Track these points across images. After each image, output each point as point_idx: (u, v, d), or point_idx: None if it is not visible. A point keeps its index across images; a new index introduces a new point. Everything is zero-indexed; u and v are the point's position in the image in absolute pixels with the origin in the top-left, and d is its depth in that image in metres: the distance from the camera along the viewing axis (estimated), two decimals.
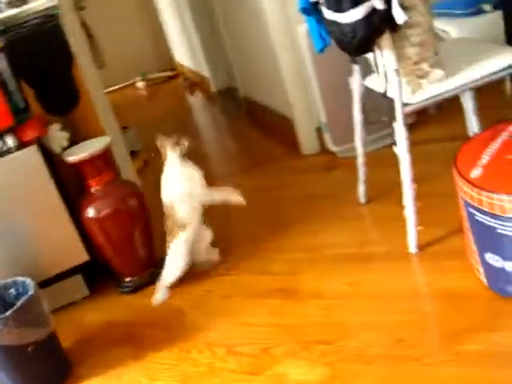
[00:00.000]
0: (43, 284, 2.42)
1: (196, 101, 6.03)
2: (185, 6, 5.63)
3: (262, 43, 3.74)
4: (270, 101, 4.08)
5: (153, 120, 5.30)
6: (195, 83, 6.15)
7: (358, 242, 2.62)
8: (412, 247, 2.37)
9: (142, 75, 5.65)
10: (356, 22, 2.04)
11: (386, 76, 2.24)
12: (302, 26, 3.10)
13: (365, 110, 2.73)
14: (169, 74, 6.81)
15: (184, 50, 6.62)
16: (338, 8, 2.06)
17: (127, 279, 2.77)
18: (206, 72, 5.81)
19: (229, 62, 4.95)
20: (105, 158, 2.69)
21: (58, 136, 2.71)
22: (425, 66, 2.22)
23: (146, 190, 2.86)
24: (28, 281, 2.31)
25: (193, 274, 2.68)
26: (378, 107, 3.20)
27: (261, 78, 4.14)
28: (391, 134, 2.36)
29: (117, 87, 6.01)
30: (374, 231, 2.76)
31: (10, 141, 2.53)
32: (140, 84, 6.54)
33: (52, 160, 2.67)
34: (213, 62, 5.57)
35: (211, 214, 2.71)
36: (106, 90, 3.43)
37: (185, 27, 6.05)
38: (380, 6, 2.01)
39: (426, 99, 2.25)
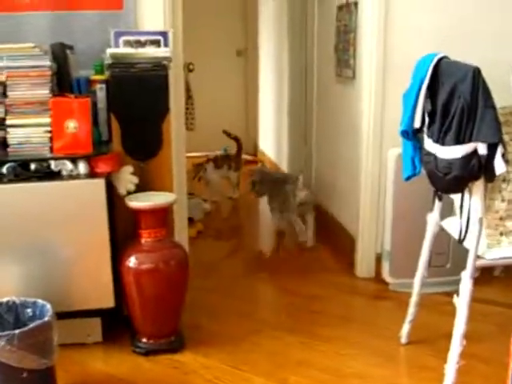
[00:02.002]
0: (61, 315, 2.34)
1: None
2: (284, 99, 5.74)
3: (348, 156, 3.73)
4: (340, 214, 4.03)
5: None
6: None
7: (385, 382, 2.46)
8: None
9: (224, 150, 5.71)
10: (454, 160, 1.98)
11: (467, 223, 2.14)
12: (394, 150, 3.07)
13: (431, 252, 2.62)
14: (249, 157, 6.88)
15: (270, 139, 6.70)
16: (441, 141, 2.01)
17: (143, 339, 2.67)
18: (284, 167, 5.83)
19: (309, 165, 4.95)
20: (164, 214, 2.67)
21: (127, 178, 2.70)
22: (510, 225, 2.12)
23: (192, 259, 2.81)
24: (48, 306, 2.25)
25: None
26: (446, 252, 3.18)
27: (337, 189, 4.10)
28: (451, 283, 2.25)
29: (197, 154, 6.09)
30: (404, 376, 2.59)
31: (82, 167, 2.55)
32: None
33: (112, 199, 2.67)
34: (294, 161, 5.59)
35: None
36: (186, 154, 3.44)
37: (279, 120, 6.15)
38: (483, 150, 1.95)
39: (502, 258, 2.14)
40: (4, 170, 2.47)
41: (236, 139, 5.46)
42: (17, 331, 2.04)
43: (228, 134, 5.46)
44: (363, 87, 3.36)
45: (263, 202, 4.60)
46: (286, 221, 4.22)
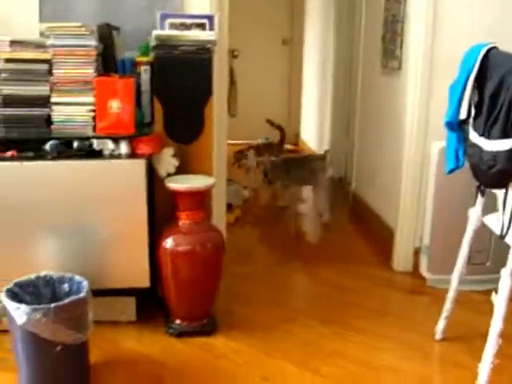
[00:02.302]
0: (97, 293, 2.36)
1: None
2: (328, 90, 5.69)
3: (391, 148, 3.68)
4: (379, 206, 3.98)
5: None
6: None
7: (416, 377, 2.43)
8: None
9: (266, 139, 5.70)
10: (499, 153, 1.93)
11: (510, 218, 2.09)
12: (438, 143, 3.01)
13: (471, 249, 2.57)
14: (290, 147, 6.85)
15: (312, 129, 6.66)
16: (487, 133, 1.96)
17: (177, 321, 2.68)
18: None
19: (351, 155, 4.91)
20: (203, 197, 2.67)
21: (168, 161, 2.71)
22: None
23: (228, 245, 2.80)
24: (84, 282, 2.28)
25: None
26: (486, 250, 3.12)
27: (377, 181, 4.05)
28: (490, 282, 2.20)
29: (238, 142, 6.09)
30: (437, 373, 2.55)
31: (124, 147, 2.56)
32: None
33: (152, 181, 2.68)
34: (335, 150, 5.54)
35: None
36: (228, 141, 3.44)
37: (322, 110, 6.11)
38: None
39: None
40: (47, 146, 2.50)
41: (279, 128, 5.43)
42: (52, 305, 2.07)
43: (272, 123, 5.45)
44: (409, 78, 3.31)
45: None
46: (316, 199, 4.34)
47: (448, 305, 2.64)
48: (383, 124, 3.93)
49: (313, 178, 4.27)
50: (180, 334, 2.66)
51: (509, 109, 1.90)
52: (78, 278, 2.32)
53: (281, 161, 4.47)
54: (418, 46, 3.20)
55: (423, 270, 3.29)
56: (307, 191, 4.53)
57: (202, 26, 2.86)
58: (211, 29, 2.88)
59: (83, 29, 2.59)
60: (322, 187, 4.31)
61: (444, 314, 2.65)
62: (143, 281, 2.64)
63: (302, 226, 4.28)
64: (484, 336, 2.16)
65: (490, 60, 2.09)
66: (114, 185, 2.54)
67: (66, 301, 2.12)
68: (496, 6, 3.15)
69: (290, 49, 7.17)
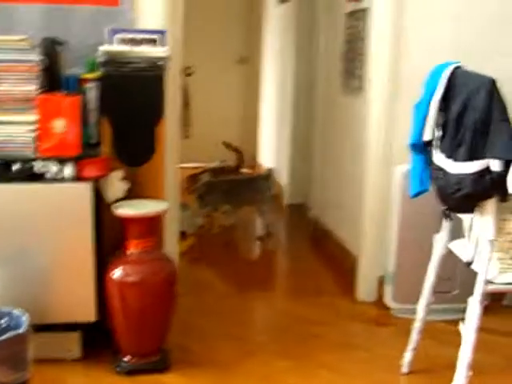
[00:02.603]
0: (38, 328, 2.31)
1: None
2: (287, 111, 5.73)
3: (353, 172, 3.72)
4: (341, 232, 4.01)
5: None
6: None
7: None
8: None
9: (220, 162, 5.71)
10: (466, 176, 1.97)
11: (476, 244, 2.12)
12: (402, 167, 3.05)
13: (438, 276, 2.60)
14: (247, 170, 6.86)
15: (270, 152, 6.69)
16: (452, 155, 1.99)
17: (127, 358, 2.64)
18: (283, 181, 5.82)
19: (312, 180, 4.94)
20: (154, 224, 2.65)
21: (116, 184, 2.68)
22: None
23: (182, 273, 2.78)
24: (24, 318, 2.22)
25: None
26: (453, 277, 3.15)
27: (339, 206, 4.09)
28: (457, 311, 2.23)
29: (191, 165, 6.07)
30: None
31: (68, 170, 2.52)
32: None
33: (99, 206, 2.64)
34: (294, 175, 5.58)
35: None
36: (181, 164, 3.43)
37: (281, 131, 6.14)
38: (496, 167, 1.94)
39: None
40: None
41: (237, 151, 5.45)
42: None
43: (228, 146, 5.46)
44: (371, 99, 3.36)
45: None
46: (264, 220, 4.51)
47: (414, 336, 2.66)
48: (345, 147, 3.97)
49: (256, 198, 4.35)
50: (130, 372, 2.61)
51: (474, 131, 1.94)
52: (16, 312, 2.27)
53: (219, 182, 4.54)
54: (380, 64, 3.26)
55: (388, 299, 3.30)
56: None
57: (153, 42, 2.86)
58: (163, 45, 2.87)
59: (25, 42, 2.56)
60: (266, 207, 4.44)
61: (410, 345, 2.67)
62: (89, 314, 2.60)
63: (251, 247, 4.34)
64: (453, 368, 2.18)
65: (455, 79, 2.14)
66: (58, 210, 2.50)
67: (3, 337, 2.06)
68: (463, 25, 3.21)
69: (247, 67, 7.23)
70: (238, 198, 4.50)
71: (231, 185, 4.58)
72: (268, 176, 4.57)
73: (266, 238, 4.52)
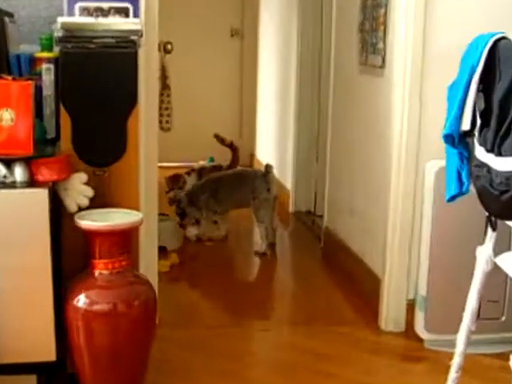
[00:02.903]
0: None
1: None
2: (291, 96, 5.74)
3: (373, 170, 3.73)
4: (359, 246, 4.01)
5: None
6: None
7: None
8: None
9: (210, 161, 5.73)
10: None
11: None
12: (434, 163, 3.06)
13: (481, 299, 2.59)
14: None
15: (271, 147, 6.70)
16: (496, 149, 1.98)
17: None
18: (288, 184, 5.82)
19: (321, 181, 4.95)
20: (126, 239, 2.65)
21: (79, 190, 2.68)
22: None
23: (162, 298, 2.79)
24: None
25: None
26: (501, 300, 3.16)
27: (354, 213, 4.09)
28: (505, 342, 2.23)
29: (173, 164, 6.07)
30: None
31: (19, 173, 2.51)
32: None
33: (59, 217, 2.65)
34: (301, 176, 5.58)
35: None
36: (160, 163, 3.43)
37: (284, 121, 6.15)
38: None
39: None
40: None
41: (231, 146, 5.46)
42: None
43: (221, 140, 5.46)
44: (395, 79, 3.37)
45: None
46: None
47: (453, 374, 2.65)
48: (362, 139, 3.97)
49: (251, 199, 4.36)
50: None
51: None
52: None
53: (205, 183, 4.56)
54: (407, 37, 3.26)
55: (419, 328, 3.31)
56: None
57: (123, 12, 2.86)
58: (136, 16, 2.88)
59: None
60: (264, 212, 4.49)
61: None
62: (47, 353, 2.60)
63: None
64: None
65: (499, 54, 2.13)
66: (6, 222, 2.49)
67: None
68: None
69: (241, 41, 7.25)
70: (227, 200, 4.52)
71: (219, 184, 4.59)
72: (266, 173, 4.56)
73: (267, 253, 4.52)
